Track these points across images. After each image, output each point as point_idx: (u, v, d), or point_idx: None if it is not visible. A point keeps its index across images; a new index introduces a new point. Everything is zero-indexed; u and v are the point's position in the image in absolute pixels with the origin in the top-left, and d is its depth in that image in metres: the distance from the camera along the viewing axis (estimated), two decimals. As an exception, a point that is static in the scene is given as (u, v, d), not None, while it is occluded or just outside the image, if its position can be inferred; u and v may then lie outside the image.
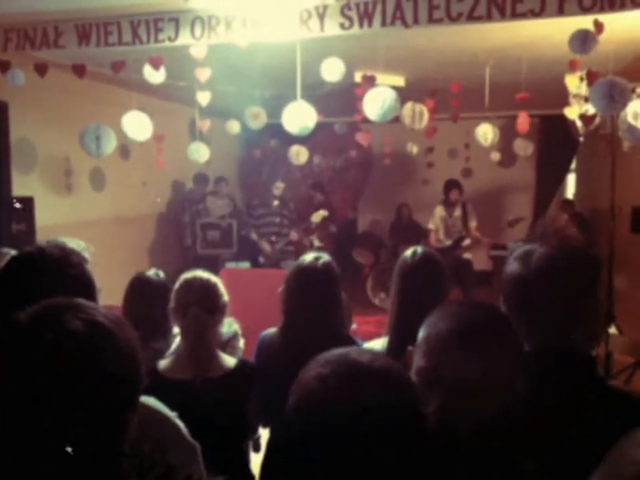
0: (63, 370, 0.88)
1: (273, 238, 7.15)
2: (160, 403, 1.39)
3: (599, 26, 3.22)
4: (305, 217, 7.40)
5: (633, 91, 4.03)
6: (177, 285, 2.16)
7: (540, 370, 1.27)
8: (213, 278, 2.19)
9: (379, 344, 2.15)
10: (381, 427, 0.86)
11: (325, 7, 3.43)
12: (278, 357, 2.22)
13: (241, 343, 2.78)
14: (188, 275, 2.17)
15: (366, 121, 4.46)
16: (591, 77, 3.75)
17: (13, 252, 2.05)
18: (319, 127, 4.38)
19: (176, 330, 2.28)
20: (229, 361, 2.14)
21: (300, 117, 3.92)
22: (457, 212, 7.07)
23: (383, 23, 3.34)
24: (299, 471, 0.90)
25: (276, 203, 7.13)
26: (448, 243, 7.01)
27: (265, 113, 5.65)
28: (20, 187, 5.05)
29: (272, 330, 2.35)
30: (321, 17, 3.45)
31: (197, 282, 2.13)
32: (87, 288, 1.41)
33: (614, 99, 3.45)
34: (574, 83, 4.30)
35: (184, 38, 3.67)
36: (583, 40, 3.28)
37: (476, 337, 1.11)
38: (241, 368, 2.13)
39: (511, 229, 7.57)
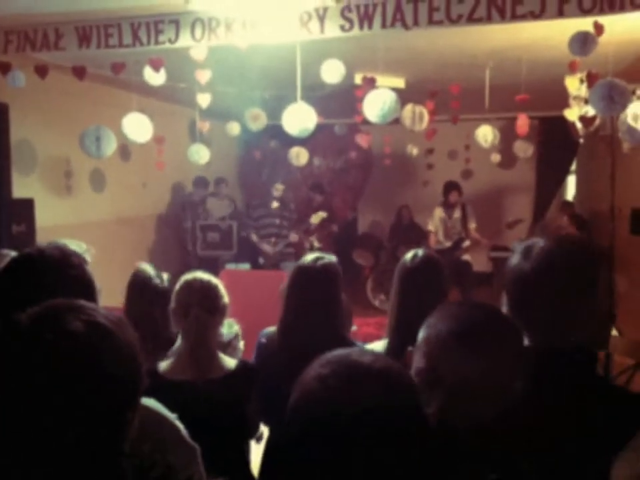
0: (62, 370, 0.89)
1: (273, 239, 7.16)
2: (160, 404, 1.39)
3: (598, 28, 3.22)
4: (305, 218, 7.40)
5: (633, 92, 4.04)
6: (177, 286, 2.16)
7: (540, 369, 1.26)
8: (214, 279, 2.19)
9: (379, 346, 2.16)
10: (381, 428, 0.86)
11: (325, 9, 3.44)
12: (277, 356, 2.23)
13: (241, 343, 2.78)
14: (188, 276, 2.17)
15: (366, 122, 4.47)
16: (590, 79, 3.75)
17: (13, 253, 2.06)
18: (319, 128, 4.38)
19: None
20: (230, 362, 2.14)
21: (300, 118, 3.92)
22: (457, 213, 7.08)
23: (383, 25, 3.34)
24: (299, 470, 0.90)
25: (275, 204, 7.13)
26: (447, 244, 7.02)
27: (264, 115, 5.65)
28: (20, 188, 5.05)
29: (272, 328, 2.35)
30: (321, 19, 3.45)
31: (197, 283, 2.13)
32: (87, 289, 1.41)
33: (614, 100, 3.46)
34: (574, 84, 4.31)
35: (184, 40, 3.68)
36: (583, 42, 3.28)
37: (476, 338, 1.11)
38: (241, 369, 2.13)
39: (510, 230, 7.58)
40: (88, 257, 1.52)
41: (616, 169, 5.50)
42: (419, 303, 1.92)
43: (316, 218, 7.20)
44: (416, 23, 3.29)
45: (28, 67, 4.08)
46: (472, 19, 3.19)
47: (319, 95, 4.78)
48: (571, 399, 1.24)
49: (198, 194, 7.36)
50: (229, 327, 2.68)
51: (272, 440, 2.35)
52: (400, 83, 5.74)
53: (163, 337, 2.29)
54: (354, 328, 4.32)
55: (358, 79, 4.92)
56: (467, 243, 6.98)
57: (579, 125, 4.81)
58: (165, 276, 2.56)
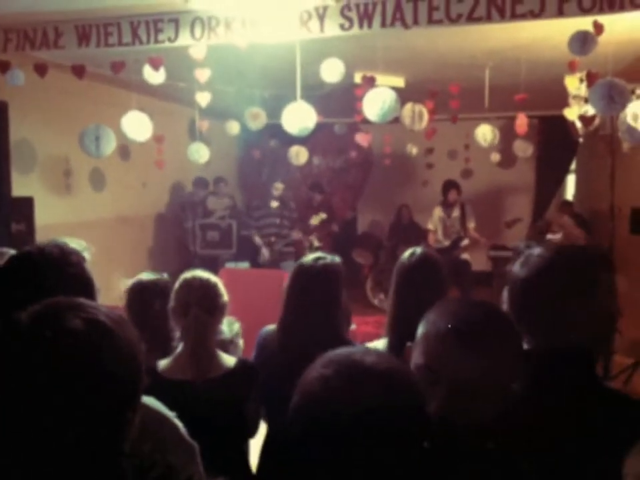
0: (62, 369, 0.88)
1: (272, 239, 7.15)
2: (159, 402, 1.39)
3: (598, 27, 3.22)
4: (305, 217, 7.40)
5: (633, 92, 4.04)
6: (176, 285, 2.16)
7: (540, 370, 1.26)
8: (213, 278, 2.18)
9: (379, 345, 2.15)
10: (382, 428, 0.86)
11: (325, 8, 3.44)
12: (277, 355, 2.23)
13: (241, 341, 2.78)
14: (187, 275, 2.17)
15: (366, 121, 4.47)
16: (590, 78, 3.75)
17: (13, 252, 2.05)
18: (319, 127, 4.38)
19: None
20: (229, 360, 2.14)
21: (300, 117, 3.92)
22: (456, 212, 7.09)
23: (383, 24, 3.34)
24: (300, 470, 0.90)
25: (275, 204, 7.13)
26: (446, 243, 7.03)
27: (264, 114, 5.65)
28: (20, 187, 5.05)
29: (272, 327, 2.35)
30: (321, 18, 3.45)
31: (196, 282, 2.13)
32: (86, 287, 1.41)
33: (613, 99, 3.46)
34: (573, 84, 4.31)
35: (184, 39, 3.68)
36: (583, 41, 3.28)
37: (475, 336, 1.11)
38: (240, 368, 2.13)
39: (509, 229, 7.58)
40: (87, 255, 1.51)
41: (616, 168, 5.50)
42: (417, 301, 1.91)
43: (316, 219, 7.20)
44: (416, 22, 3.29)
45: (27, 66, 4.08)
46: (471, 18, 3.19)
47: (318, 94, 4.78)
48: (570, 401, 1.24)
49: (198, 194, 7.36)
50: (229, 325, 2.68)
51: (270, 438, 2.35)
52: (399, 82, 5.75)
53: (163, 336, 2.29)
54: (353, 327, 4.32)
55: (358, 78, 4.93)
56: (465, 242, 6.99)
57: (578, 125, 4.81)
58: (165, 275, 2.56)
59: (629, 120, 3.87)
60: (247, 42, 3.63)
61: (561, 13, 3.07)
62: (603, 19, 3.17)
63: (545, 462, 1.19)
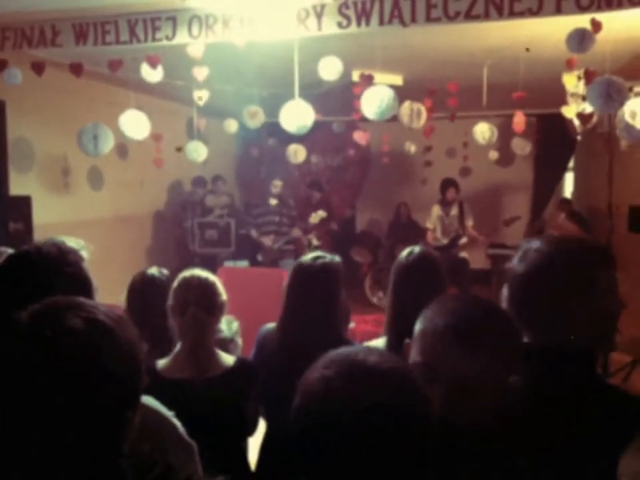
0: (62, 369, 0.88)
1: (272, 237, 7.14)
2: (157, 402, 1.39)
3: (596, 25, 3.22)
4: (304, 215, 7.39)
5: (630, 89, 4.04)
6: (175, 283, 2.16)
7: (539, 367, 1.26)
8: (211, 277, 2.18)
9: (379, 344, 2.16)
10: (384, 428, 0.86)
11: (323, 6, 3.43)
12: (276, 355, 2.23)
13: (239, 340, 2.78)
14: (186, 273, 2.17)
15: (364, 119, 4.46)
16: (588, 76, 3.75)
17: (10, 251, 2.05)
18: (317, 125, 4.38)
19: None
20: (228, 359, 2.14)
21: (298, 115, 3.92)
22: (454, 211, 7.09)
23: (381, 22, 3.34)
24: (301, 470, 0.90)
25: (274, 202, 7.12)
26: (445, 241, 7.03)
27: (262, 112, 5.65)
28: (17, 185, 5.04)
29: (272, 324, 2.35)
30: (319, 16, 3.45)
31: (195, 281, 2.12)
32: (84, 286, 1.41)
33: (611, 97, 3.46)
34: (571, 81, 4.31)
35: (181, 37, 3.67)
36: (581, 39, 3.28)
37: (473, 334, 1.11)
38: (239, 366, 2.13)
39: (508, 227, 7.59)
40: (86, 254, 1.51)
41: (614, 166, 5.50)
42: (415, 299, 1.91)
43: (315, 218, 7.20)
44: (413, 20, 3.28)
45: (25, 64, 4.07)
46: (470, 16, 3.19)
47: (316, 93, 4.78)
48: (570, 398, 1.24)
49: (197, 193, 7.35)
50: (228, 324, 2.68)
51: (270, 436, 2.35)
52: (398, 80, 5.74)
53: (164, 335, 2.29)
54: (352, 325, 4.32)
55: (356, 76, 4.92)
56: (463, 240, 7.00)
57: (576, 122, 4.81)
58: (166, 272, 2.56)
59: (627, 118, 3.87)
60: (245, 40, 3.62)
61: (558, 11, 3.07)
62: (601, 16, 3.17)
63: (545, 460, 1.19)
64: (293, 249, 7.22)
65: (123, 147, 6.07)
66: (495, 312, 1.20)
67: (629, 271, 5.78)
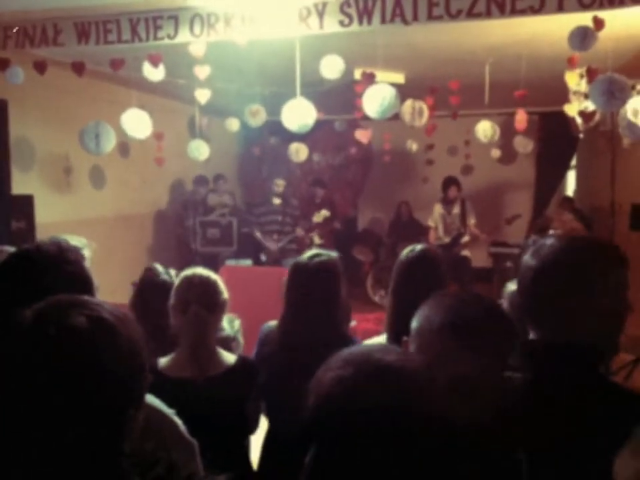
0: (63, 368, 0.88)
1: (275, 236, 7.14)
2: (159, 400, 1.39)
3: (598, 23, 3.22)
4: (307, 214, 7.39)
5: (633, 87, 4.03)
6: (176, 282, 2.16)
7: (544, 363, 1.26)
8: (213, 275, 2.18)
9: (378, 341, 2.16)
10: (406, 429, 0.84)
11: (324, 4, 3.43)
12: (277, 354, 2.23)
13: (241, 338, 2.78)
14: (188, 272, 2.17)
15: (365, 118, 4.46)
16: (590, 74, 3.75)
17: (12, 249, 2.05)
18: (319, 124, 4.38)
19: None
20: (229, 357, 2.14)
21: (299, 114, 3.92)
22: (456, 209, 7.08)
23: (383, 20, 3.34)
24: (320, 472, 0.89)
25: (277, 201, 7.11)
26: (447, 240, 7.03)
27: (264, 111, 5.65)
28: (19, 184, 5.05)
29: (274, 322, 2.35)
30: (320, 14, 3.45)
31: (196, 279, 2.12)
32: (85, 285, 1.41)
33: (614, 95, 3.45)
34: (574, 79, 4.30)
35: (183, 35, 3.67)
36: (583, 37, 3.27)
37: (471, 332, 1.10)
38: (240, 365, 2.13)
39: (510, 225, 7.58)
40: (88, 252, 1.51)
41: (616, 164, 5.50)
42: (415, 297, 1.92)
43: (319, 217, 7.20)
44: (415, 18, 3.28)
45: (27, 63, 4.08)
46: (471, 14, 3.19)
47: (318, 91, 4.78)
48: (570, 398, 1.24)
49: (199, 192, 7.35)
50: (230, 322, 2.68)
51: (272, 435, 2.35)
52: (399, 78, 5.73)
53: (167, 334, 2.29)
54: (353, 323, 4.32)
55: (357, 75, 4.92)
56: (465, 239, 6.99)
57: (578, 120, 4.80)
58: (173, 272, 2.56)
59: (629, 116, 3.87)
60: (247, 39, 3.62)
61: (560, 9, 3.06)
62: (603, 14, 3.16)
63: (546, 459, 1.19)
64: (295, 248, 7.21)
65: (125, 146, 6.07)
66: (489, 309, 1.20)
67: (630, 270, 5.77)
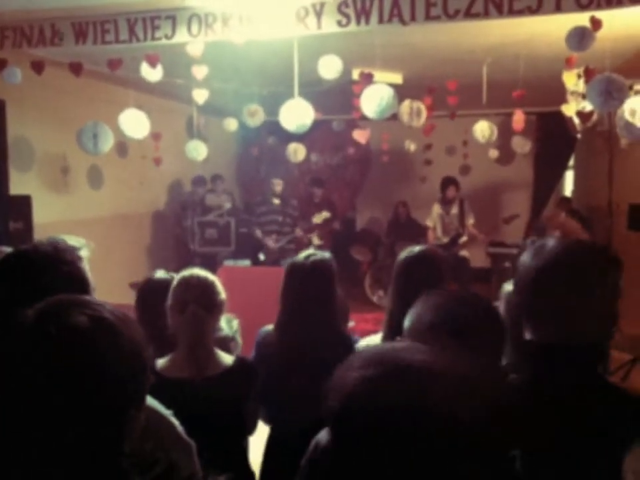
0: (63, 368, 0.87)
1: (274, 236, 7.13)
2: (156, 401, 1.39)
3: (596, 23, 3.22)
4: (307, 215, 7.39)
5: (630, 87, 4.04)
6: (174, 283, 2.16)
7: (541, 363, 1.26)
8: (211, 276, 2.18)
9: (375, 340, 2.16)
10: (437, 431, 0.83)
11: (322, 4, 3.43)
12: (276, 355, 2.23)
13: (239, 339, 2.78)
14: (185, 273, 2.17)
15: (364, 118, 4.46)
16: (588, 74, 3.75)
17: (9, 250, 2.05)
18: (317, 124, 4.38)
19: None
20: (227, 358, 2.14)
21: (297, 114, 3.92)
22: (454, 209, 7.09)
23: (380, 20, 3.34)
24: (339, 469, 0.88)
25: (276, 201, 7.11)
26: (445, 240, 7.03)
27: (262, 111, 5.65)
28: (17, 185, 5.04)
29: (270, 327, 2.37)
30: (318, 14, 3.45)
31: (194, 280, 2.12)
32: (81, 285, 1.40)
33: (611, 95, 3.46)
34: (571, 80, 4.30)
35: (181, 35, 3.67)
36: (580, 37, 3.28)
37: (459, 330, 1.10)
38: (238, 366, 2.13)
39: (507, 225, 7.58)
40: (86, 252, 1.50)
41: (613, 164, 5.51)
42: (415, 298, 1.92)
43: (319, 218, 7.20)
44: (413, 18, 3.28)
45: (24, 63, 4.07)
46: (469, 14, 3.19)
47: (316, 91, 4.78)
48: (570, 398, 1.24)
49: (197, 193, 7.35)
50: (228, 322, 2.68)
51: (274, 440, 2.36)
52: (397, 78, 5.74)
53: (170, 335, 2.28)
54: (351, 324, 4.32)
55: (355, 75, 4.92)
56: (463, 239, 6.99)
57: (576, 121, 4.81)
58: (174, 275, 2.55)
59: (627, 116, 3.87)
60: (245, 39, 3.62)
61: (558, 9, 3.07)
62: (601, 14, 3.16)
63: (546, 459, 1.19)
64: (294, 248, 7.21)
65: (123, 146, 6.07)
66: (481, 309, 1.20)
67: (628, 269, 5.78)
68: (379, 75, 4.38)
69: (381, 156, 7.31)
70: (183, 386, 1.97)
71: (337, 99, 5.72)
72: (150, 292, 2.43)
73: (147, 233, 7.24)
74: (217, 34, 3.61)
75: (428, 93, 5.16)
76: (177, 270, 2.25)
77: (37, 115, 5.25)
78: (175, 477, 1.29)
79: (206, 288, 2.12)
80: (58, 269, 1.37)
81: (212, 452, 1.52)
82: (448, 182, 7.08)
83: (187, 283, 2.11)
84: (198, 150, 5.73)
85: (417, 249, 2.23)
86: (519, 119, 5.20)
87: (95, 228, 5.72)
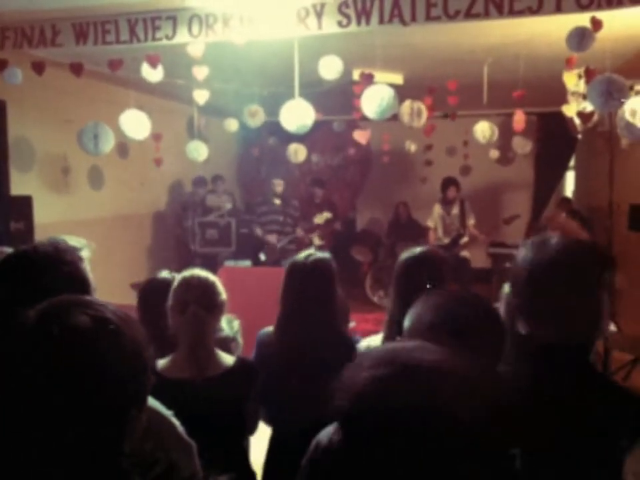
0: (63, 368, 0.87)
1: (275, 236, 7.13)
2: (157, 402, 1.39)
3: (596, 23, 3.22)
4: (308, 215, 7.39)
5: (631, 88, 4.03)
6: (175, 283, 2.16)
7: (539, 366, 1.26)
8: (211, 276, 2.18)
9: (376, 340, 2.16)
10: (448, 430, 0.83)
11: (323, 5, 3.43)
12: (276, 356, 2.24)
13: (240, 339, 2.78)
14: (186, 273, 2.17)
15: (364, 118, 4.46)
16: (588, 75, 3.75)
17: (11, 250, 2.05)
18: (317, 125, 4.38)
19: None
20: (228, 359, 2.14)
21: (298, 114, 3.92)
22: (455, 210, 7.09)
23: (381, 21, 3.34)
24: (349, 467, 0.88)
25: (277, 201, 7.11)
26: (446, 240, 7.03)
27: (262, 111, 5.65)
28: (18, 185, 5.05)
29: (270, 328, 2.37)
30: (319, 15, 3.45)
31: (195, 281, 2.12)
32: (82, 286, 1.40)
33: (612, 96, 3.46)
34: (572, 80, 4.30)
35: (181, 36, 3.67)
36: (581, 37, 3.28)
37: (459, 330, 1.10)
38: (239, 366, 2.13)
39: (508, 226, 7.58)
40: (86, 253, 1.50)
41: (614, 165, 5.50)
42: (415, 299, 1.92)
43: (320, 219, 7.20)
44: (413, 18, 3.28)
45: (25, 64, 4.07)
46: (469, 15, 3.19)
47: (317, 92, 4.78)
48: (570, 398, 1.24)
49: (198, 194, 7.36)
50: (229, 323, 2.68)
51: (276, 441, 2.36)
52: (398, 79, 5.74)
53: (171, 336, 2.28)
54: (352, 324, 4.32)
55: (356, 75, 4.92)
56: (464, 240, 6.99)
57: (577, 121, 4.80)
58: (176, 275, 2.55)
59: (627, 116, 3.87)
60: (245, 39, 3.62)
61: (559, 9, 3.07)
62: (601, 15, 3.16)
63: (546, 459, 1.19)
64: (295, 248, 7.21)
65: (124, 146, 6.07)
66: (481, 309, 1.20)
67: (629, 270, 5.79)
68: (379, 76, 4.38)
69: (382, 156, 7.31)
70: (183, 386, 1.97)
71: (338, 100, 5.73)
72: (152, 292, 2.43)
73: (147, 234, 7.25)
74: (217, 34, 3.62)
75: (428, 93, 5.16)
76: (178, 270, 2.26)
77: (38, 116, 5.25)
78: (175, 477, 1.29)
79: (207, 288, 2.12)
80: (59, 269, 1.37)
81: (213, 452, 1.52)
82: (448, 182, 7.08)
83: (188, 283, 2.12)
84: (199, 150, 5.74)
85: (417, 250, 2.23)
86: (519, 119, 5.20)
87: (95, 228, 5.72)
